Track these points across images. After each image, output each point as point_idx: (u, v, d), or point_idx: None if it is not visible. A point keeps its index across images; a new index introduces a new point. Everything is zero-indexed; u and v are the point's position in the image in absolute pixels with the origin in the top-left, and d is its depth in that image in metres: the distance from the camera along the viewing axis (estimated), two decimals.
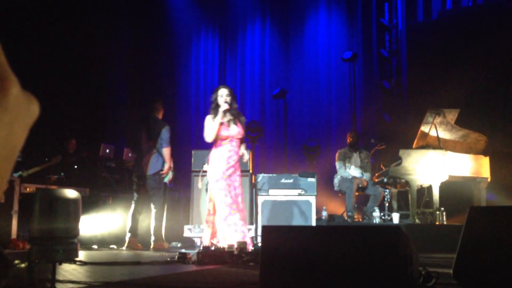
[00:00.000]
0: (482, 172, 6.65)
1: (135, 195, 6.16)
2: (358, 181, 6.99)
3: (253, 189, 6.39)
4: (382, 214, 6.63)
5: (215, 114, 4.79)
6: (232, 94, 4.86)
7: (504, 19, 8.31)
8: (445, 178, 6.33)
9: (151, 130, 6.11)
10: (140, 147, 6.17)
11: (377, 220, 6.45)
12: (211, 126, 4.77)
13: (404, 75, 9.32)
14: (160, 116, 6.27)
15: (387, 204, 6.80)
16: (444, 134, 6.81)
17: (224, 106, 4.74)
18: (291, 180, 6.51)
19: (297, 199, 6.42)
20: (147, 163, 6.06)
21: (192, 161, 6.54)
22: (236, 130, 4.82)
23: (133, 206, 6.12)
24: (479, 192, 6.72)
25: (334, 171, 7.36)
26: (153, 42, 10.36)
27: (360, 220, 6.86)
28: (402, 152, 6.53)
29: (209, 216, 4.77)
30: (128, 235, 6.06)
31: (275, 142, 9.43)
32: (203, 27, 10.63)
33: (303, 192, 6.43)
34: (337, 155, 7.30)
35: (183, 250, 5.12)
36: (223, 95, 4.80)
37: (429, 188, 6.55)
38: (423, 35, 9.06)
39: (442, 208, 6.27)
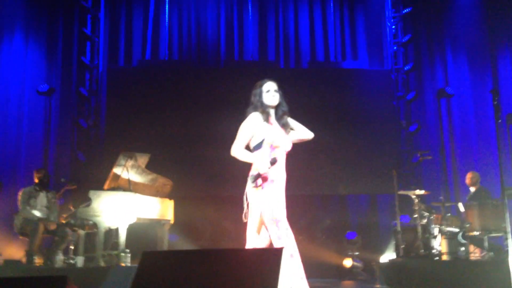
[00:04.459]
0: (166, 214, 7.07)
1: None
2: (44, 222, 6.59)
3: None
4: (66, 257, 6.39)
5: (264, 113, 3.71)
6: (280, 90, 3.81)
7: (191, 74, 9.22)
8: (133, 220, 6.48)
9: None
10: None
11: (60, 264, 6.17)
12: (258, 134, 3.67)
13: (103, 115, 9.32)
14: None
15: (73, 247, 6.58)
16: (135, 177, 7.02)
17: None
18: None
19: None
20: None
21: None
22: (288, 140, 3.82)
23: None
24: (162, 234, 7.12)
25: (16, 211, 6.76)
26: None
27: (42, 264, 6.41)
28: (92, 193, 6.45)
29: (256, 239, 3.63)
30: None
31: None
32: None
33: None
34: (20, 194, 6.75)
35: None
36: (270, 90, 3.76)
37: (117, 229, 6.60)
38: (123, 79, 9.32)
39: (128, 250, 6.37)
